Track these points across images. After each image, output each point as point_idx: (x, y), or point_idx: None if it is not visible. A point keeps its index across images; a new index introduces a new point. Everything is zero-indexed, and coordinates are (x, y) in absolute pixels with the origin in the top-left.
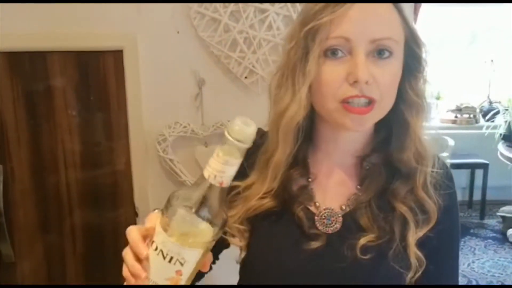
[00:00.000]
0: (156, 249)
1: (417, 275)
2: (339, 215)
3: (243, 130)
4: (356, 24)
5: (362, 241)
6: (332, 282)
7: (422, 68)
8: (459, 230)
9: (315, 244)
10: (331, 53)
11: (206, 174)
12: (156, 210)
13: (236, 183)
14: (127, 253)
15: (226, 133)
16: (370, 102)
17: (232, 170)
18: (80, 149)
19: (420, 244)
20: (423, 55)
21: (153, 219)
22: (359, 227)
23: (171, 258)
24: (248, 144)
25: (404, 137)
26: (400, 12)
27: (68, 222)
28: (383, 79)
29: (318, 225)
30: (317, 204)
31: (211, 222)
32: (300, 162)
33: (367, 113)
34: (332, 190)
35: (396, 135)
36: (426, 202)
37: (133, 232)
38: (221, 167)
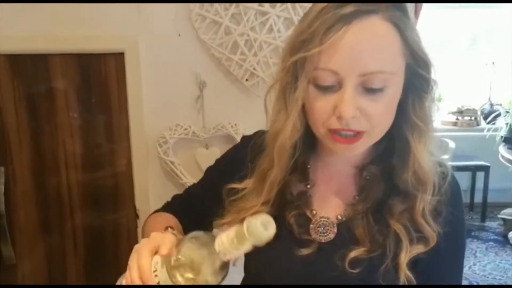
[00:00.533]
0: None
1: None
2: (334, 225)
3: (261, 235)
4: (345, 57)
5: (353, 254)
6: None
7: (430, 88)
8: (462, 254)
9: (305, 251)
10: (319, 83)
11: (217, 247)
12: (170, 230)
13: (235, 185)
14: (133, 269)
15: (245, 229)
16: (358, 133)
17: (241, 253)
18: (81, 151)
19: (414, 263)
20: (431, 75)
21: (167, 242)
22: (353, 237)
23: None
24: (262, 243)
25: (405, 156)
26: (402, 33)
27: (69, 223)
28: (374, 111)
29: (312, 232)
30: (314, 212)
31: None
32: (300, 168)
33: (355, 142)
34: (330, 198)
35: (397, 152)
36: (424, 228)
37: (144, 259)
38: (232, 250)
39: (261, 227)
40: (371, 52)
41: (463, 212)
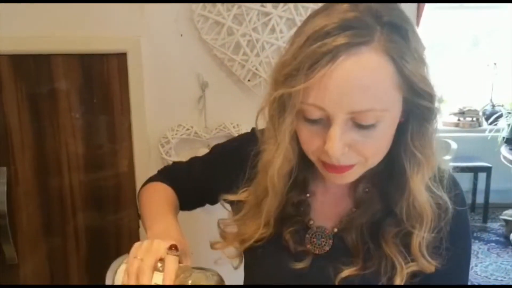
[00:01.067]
0: None
1: None
2: (330, 237)
3: None
4: (332, 95)
5: (347, 271)
6: None
7: (432, 117)
8: (465, 276)
9: (300, 265)
10: (306, 116)
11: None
12: (174, 252)
13: (231, 198)
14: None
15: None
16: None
17: None
18: (83, 151)
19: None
20: (434, 104)
21: (171, 267)
22: (348, 252)
23: None
24: None
25: (401, 185)
26: (398, 65)
27: (71, 224)
28: (366, 146)
29: (307, 243)
30: (311, 222)
31: None
32: (300, 183)
33: (346, 171)
34: (327, 209)
35: (393, 179)
36: (420, 261)
37: (145, 278)
38: None
39: None
40: (360, 90)
41: (467, 245)
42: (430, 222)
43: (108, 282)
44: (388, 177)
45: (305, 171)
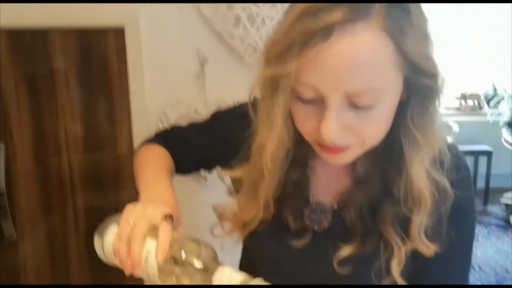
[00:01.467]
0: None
1: None
2: (329, 213)
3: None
4: (326, 74)
5: (346, 248)
6: (316, 281)
7: (435, 96)
8: (467, 261)
9: (299, 242)
10: (300, 96)
11: (215, 280)
12: (170, 226)
13: (227, 172)
14: (124, 249)
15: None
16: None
17: None
18: (82, 131)
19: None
20: (438, 83)
21: (165, 237)
22: (347, 230)
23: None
24: None
25: (398, 166)
26: (398, 43)
27: (70, 204)
28: (363, 128)
29: (306, 219)
30: (310, 198)
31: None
32: (299, 159)
33: (341, 152)
34: (327, 184)
35: (392, 159)
36: (419, 245)
37: (137, 245)
38: None
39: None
40: (355, 69)
41: (470, 230)
42: (429, 206)
43: (96, 243)
44: (387, 157)
45: (304, 148)
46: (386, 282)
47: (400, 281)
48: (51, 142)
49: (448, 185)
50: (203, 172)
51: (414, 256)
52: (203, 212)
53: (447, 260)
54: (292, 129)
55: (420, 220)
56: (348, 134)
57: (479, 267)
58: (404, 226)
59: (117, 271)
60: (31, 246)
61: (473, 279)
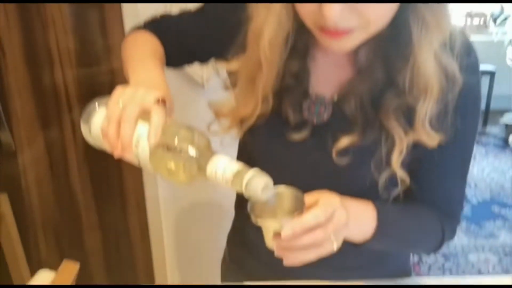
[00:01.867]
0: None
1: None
2: (329, 105)
3: (257, 196)
4: None
5: (345, 139)
6: (314, 174)
7: None
8: (469, 151)
9: (298, 135)
10: None
11: (208, 171)
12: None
13: (224, 64)
14: (114, 131)
15: (244, 185)
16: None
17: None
18: (75, 46)
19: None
20: None
21: (158, 120)
22: (347, 122)
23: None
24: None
25: (404, 51)
26: None
27: (67, 118)
28: (369, 6)
29: (305, 112)
30: (310, 90)
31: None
32: (299, 48)
33: (344, 35)
34: (327, 75)
35: (398, 44)
36: (422, 136)
37: (127, 127)
38: (220, 184)
39: (260, 191)
40: None
41: (475, 120)
42: (436, 95)
43: (83, 127)
44: (392, 43)
45: (304, 36)
46: (385, 173)
47: (400, 172)
48: (43, 55)
49: (457, 70)
50: (199, 78)
51: (415, 147)
52: (199, 118)
53: (449, 150)
54: (292, 13)
55: (426, 109)
56: (351, 15)
57: (475, 184)
58: (408, 116)
59: (117, 178)
60: (30, 156)
61: (468, 196)
